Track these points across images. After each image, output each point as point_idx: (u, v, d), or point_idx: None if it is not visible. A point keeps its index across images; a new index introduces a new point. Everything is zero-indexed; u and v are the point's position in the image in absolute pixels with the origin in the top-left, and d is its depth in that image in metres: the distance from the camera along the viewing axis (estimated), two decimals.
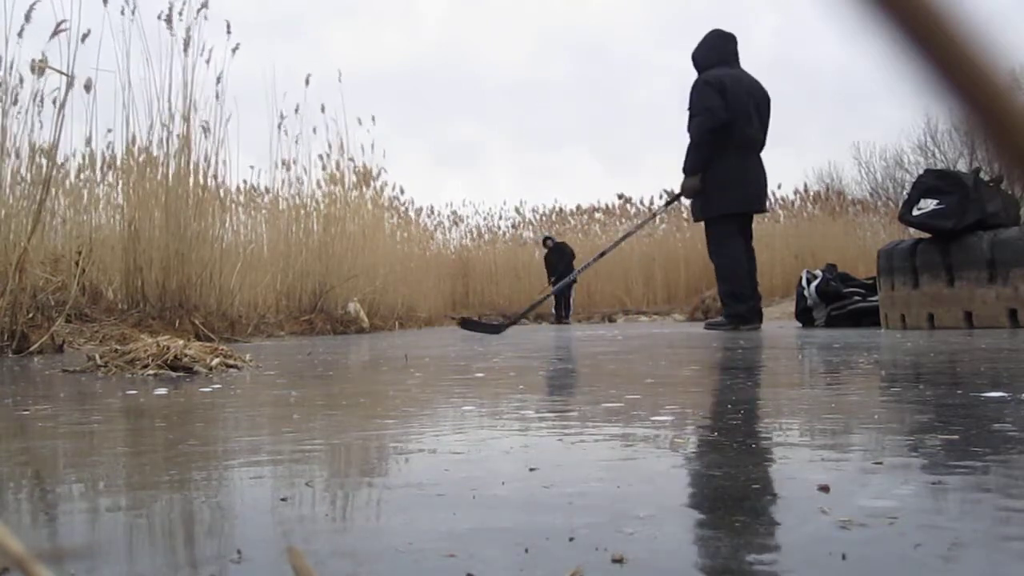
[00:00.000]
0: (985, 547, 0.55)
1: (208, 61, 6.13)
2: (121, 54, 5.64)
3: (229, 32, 6.36)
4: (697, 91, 5.81)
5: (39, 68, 4.45)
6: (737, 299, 5.85)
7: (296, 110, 8.21)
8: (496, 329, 6.13)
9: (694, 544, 0.58)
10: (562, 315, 14.65)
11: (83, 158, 6.41)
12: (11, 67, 4.48)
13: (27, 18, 4.45)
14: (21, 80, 4.57)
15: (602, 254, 6.68)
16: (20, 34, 4.47)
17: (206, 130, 6.27)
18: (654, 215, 7.31)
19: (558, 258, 14.85)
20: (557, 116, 54.79)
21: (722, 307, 6.07)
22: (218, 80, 6.38)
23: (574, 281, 7.08)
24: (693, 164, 5.86)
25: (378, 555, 0.56)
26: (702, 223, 6.18)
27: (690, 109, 5.88)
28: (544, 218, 19.84)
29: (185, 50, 5.90)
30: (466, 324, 6.44)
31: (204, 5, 5.96)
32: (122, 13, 5.52)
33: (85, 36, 4.79)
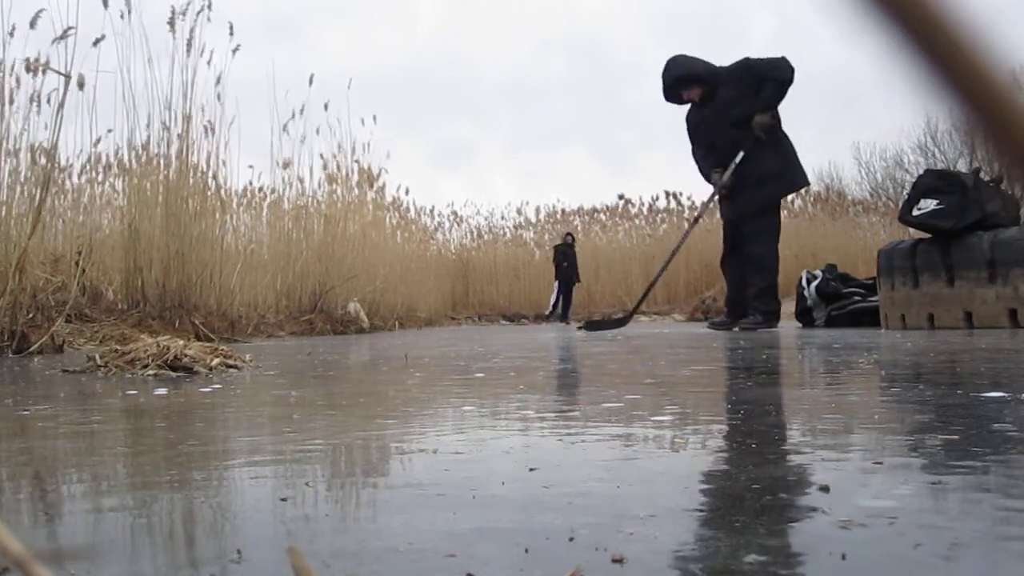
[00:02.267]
0: (985, 547, 0.55)
1: (209, 62, 6.14)
2: (122, 55, 5.66)
3: (232, 34, 6.37)
4: (755, 60, 5.90)
5: (37, 68, 4.46)
6: (774, 296, 5.83)
7: (301, 111, 8.20)
8: (620, 323, 6.55)
9: (694, 544, 0.58)
10: (562, 314, 14.67)
11: (84, 158, 6.42)
12: (11, 68, 4.49)
13: (32, 25, 4.46)
14: (18, 81, 4.57)
15: (683, 236, 6.67)
16: (13, 33, 4.47)
17: (207, 130, 6.28)
18: (723, 185, 6.21)
19: (571, 256, 14.98)
20: (555, 116, 54.75)
21: (753, 304, 5.84)
22: (218, 81, 6.39)
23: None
24: (779, 99, 5.85)
25: (378, 555, 0.56)
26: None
27: (755, 72, 5.85)
28: (546, 218, 19.84)
29: (188, 51, 5.91)
30: (591, 326, 6.58)
31: (207, 6, 5.97)
32: (122, 17, 5.52)
33: (98, 41, 4.82)
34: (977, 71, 0.19)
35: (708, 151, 6.05)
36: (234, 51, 6.40)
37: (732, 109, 5.90)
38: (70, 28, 4.43)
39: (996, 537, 0.58)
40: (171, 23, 5.80)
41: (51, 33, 4.48)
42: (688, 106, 6.16)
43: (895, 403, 1.39)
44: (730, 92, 5.90)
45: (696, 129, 6.11)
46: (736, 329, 5.75)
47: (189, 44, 5.91)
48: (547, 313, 14.58)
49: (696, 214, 6.20)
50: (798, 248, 15.86)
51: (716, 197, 6.16)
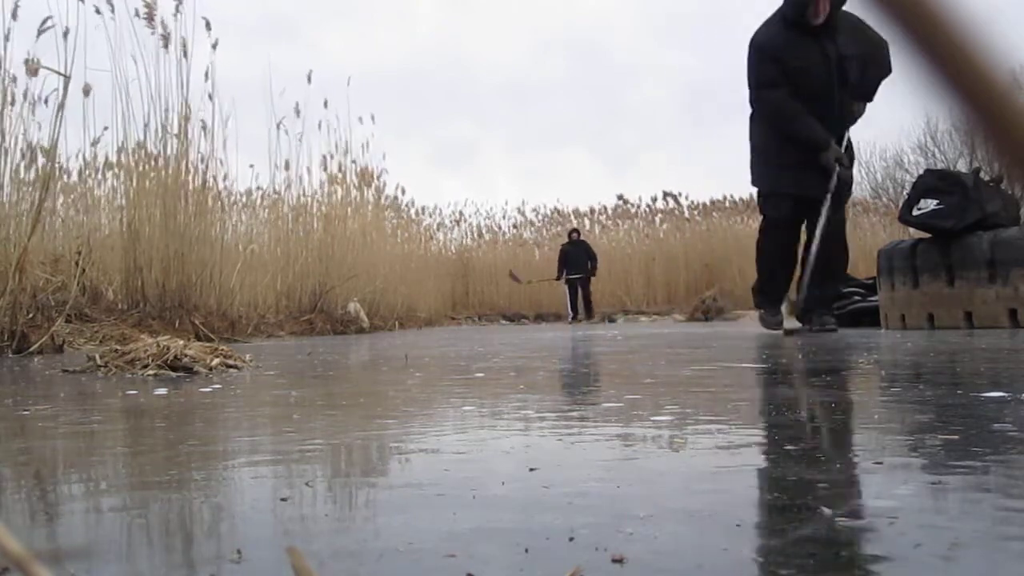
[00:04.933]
0: (985, 547, 0.55)
1: (187, 55, 6.12)
2: (117, 55, 5.66)
3: (209, 28, 6.36)
4: (869, 28, 4.26)
5: (34, 69, 4.46)
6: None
7: (297, 111, 8.20)
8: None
9: (694, 544, 0.58)
10: (575, 312, 14.48)
11: (83, 159, 6.42)
12: (7, 68, 4.49)
13: (37, 33, 4.47)
14: (15, 79, 4.58)
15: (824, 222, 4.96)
16: (7, 37, 4.48)
17: (204, 129, 6.29)
18: (841, 160, 4.72)
19: (578, 252, 14.74)
20: (554, 117, 54.72)
21: (829, 304, 5.10)
22: (206, 77, 6.39)
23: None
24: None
25: (378, 555, 0.56)
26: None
27: (869, 42, 4.44)
28: (546, 218, 19.86)
29: (166, 46, 5.90)
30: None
31: (180, 2, 5.97)
32: (98, 12, 5.51)
33: (67, 33, 4.79)
34: (977, 71, 0.19)
35: (813, 99, 4.60)
36: (214, 45, 6.39)
37: (852, 66, 4.61)
38: (48, 18, 4.44)
39: (996, 537, 0.58)
40: (149, 18, 5.79)
41: (51, 34, 4.49)
42: (763, 26, 4.77)
43: (895, 403, 1.39)
44: (848, 41, 4.56)
45: (814, 67, 4.60)
46: (814, 330, 4.90)
47: (166, 39, 5.90)
48: (568, 320, 14.34)
49: (829, 194, 4.66)
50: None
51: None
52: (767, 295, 5.19)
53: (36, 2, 4.64)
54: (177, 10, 5.97)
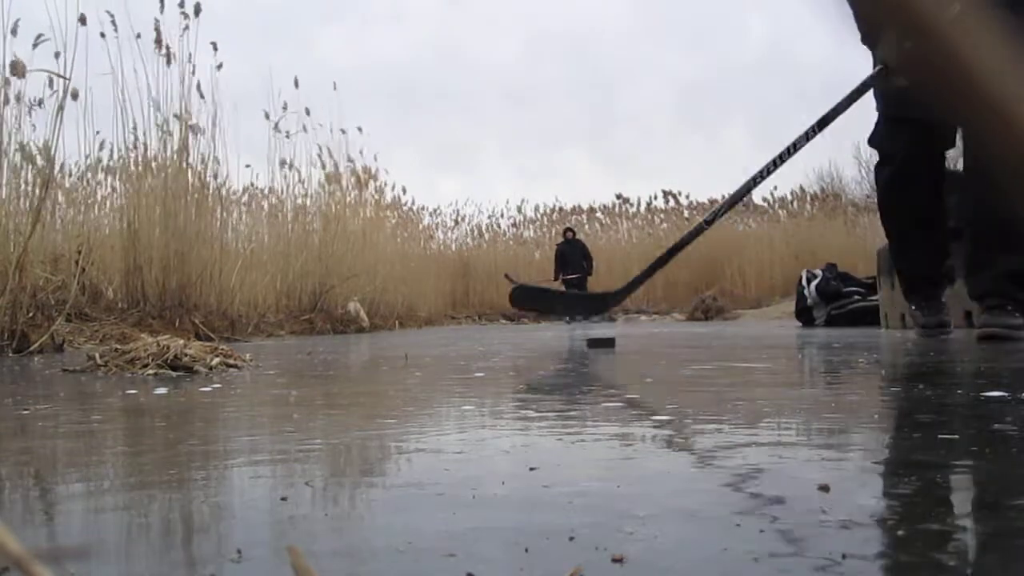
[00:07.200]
0: (986, 547, 0.55)
1: (193, 72, 6.21)
2: (117, 57, 5.68)
3: (216, 49, 6.48)
4: None
5: (24, 70, 4.47)
6: None
7: (285, 108, 8.21)
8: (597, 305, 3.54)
9: (694, 544, 0.58)
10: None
11: (84, 159, 6.43)
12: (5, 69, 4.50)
13: (33, 46, 4.49)
14: (7, 81, 4.58)
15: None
16: (14, 31, 4.50)
17: (204, 130, 6.31)
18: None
19: (573, 252, 14.65)
20: (552, 116, 54.77)
21: (1006, 288, 3.22)
22: (198, 86, 6.43)
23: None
24: None
25: (378, 555, 0.56)
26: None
27: None
28: (545, 217, 19.86)
29: (169, 63, 5.95)
30: (521, 296, 3.88)
31: (187, 16, 6.03)
32: (102, 36, 5.54)
33: (59, 54, 4.83)
34: (977, 69, 0.19)
35: None
36: (219, 67, 6.50)
37: None
38: (40, 35, 4.48)
39: (996, 537, 0.57)
40: (158, 41, 5.86)
41: (51, 36, 4.51)
42: None
43: (895, 403, 1.39)
44: None
45: None
46: (981, 335, 3.15)
47: (169, 57, 5.95)
48: (567, 320, 14.18)
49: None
50: (798, 248, 15.85)
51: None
52: (912, 280, 3.65)
53: (38, 5, 4.66)
54: (188, 27, 6.03)
